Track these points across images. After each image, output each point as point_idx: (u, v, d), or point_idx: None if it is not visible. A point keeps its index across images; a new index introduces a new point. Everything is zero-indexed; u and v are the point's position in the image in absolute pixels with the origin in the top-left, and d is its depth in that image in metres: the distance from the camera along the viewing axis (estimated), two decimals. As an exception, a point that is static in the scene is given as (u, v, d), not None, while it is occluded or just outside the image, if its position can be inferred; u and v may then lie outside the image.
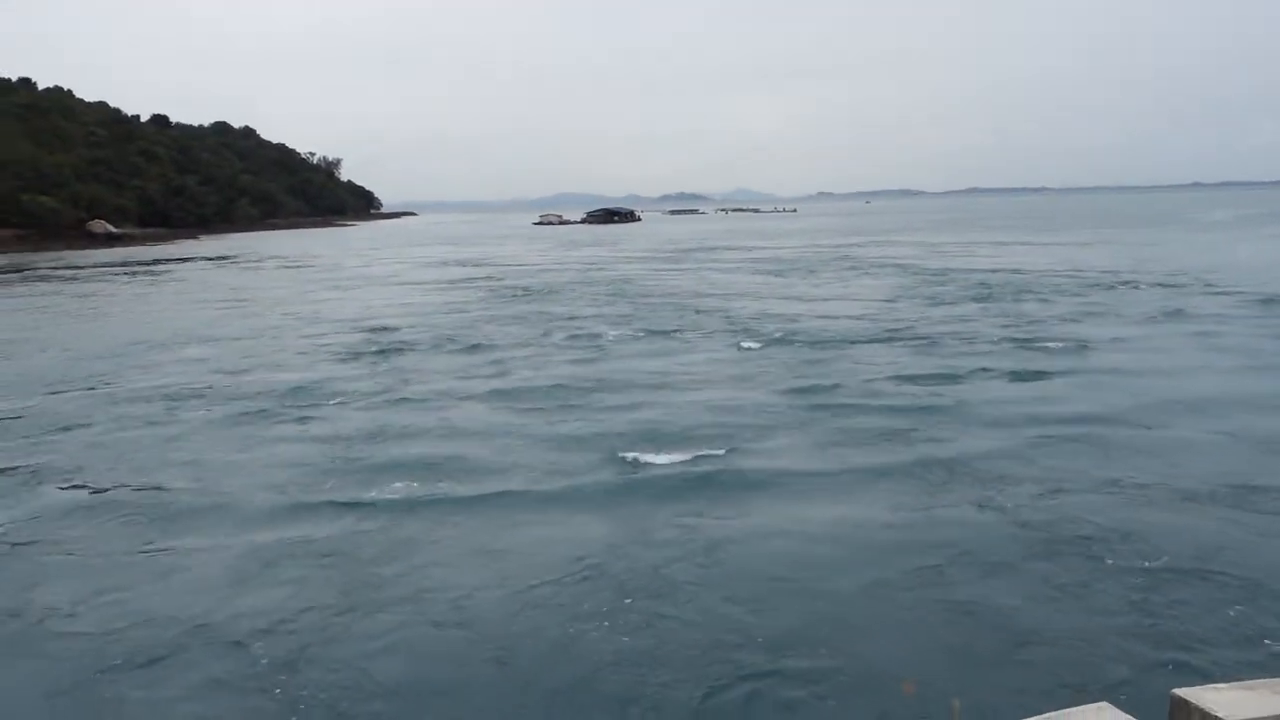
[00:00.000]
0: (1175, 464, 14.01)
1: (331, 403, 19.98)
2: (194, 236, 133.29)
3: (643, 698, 8.01)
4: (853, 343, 26.02)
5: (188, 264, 75.57)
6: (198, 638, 9.20)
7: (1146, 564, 10.28)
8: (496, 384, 21.59)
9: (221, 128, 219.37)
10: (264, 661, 8.75)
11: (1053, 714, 3.51)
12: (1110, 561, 10.38)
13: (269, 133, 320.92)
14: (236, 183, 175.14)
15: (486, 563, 10.99)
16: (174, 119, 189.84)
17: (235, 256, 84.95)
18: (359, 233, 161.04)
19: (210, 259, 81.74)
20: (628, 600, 9.86)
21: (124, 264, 75.75)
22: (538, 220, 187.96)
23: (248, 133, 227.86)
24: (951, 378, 20.84)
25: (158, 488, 14.19)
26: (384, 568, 10.90)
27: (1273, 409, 17.44)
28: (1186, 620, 8.98)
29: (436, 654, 8.88)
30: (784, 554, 11.05)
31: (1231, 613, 9.09)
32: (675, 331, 29.54)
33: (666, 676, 8.31)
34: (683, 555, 11.02)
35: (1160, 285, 38.32)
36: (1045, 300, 34.67)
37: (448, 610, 9.75)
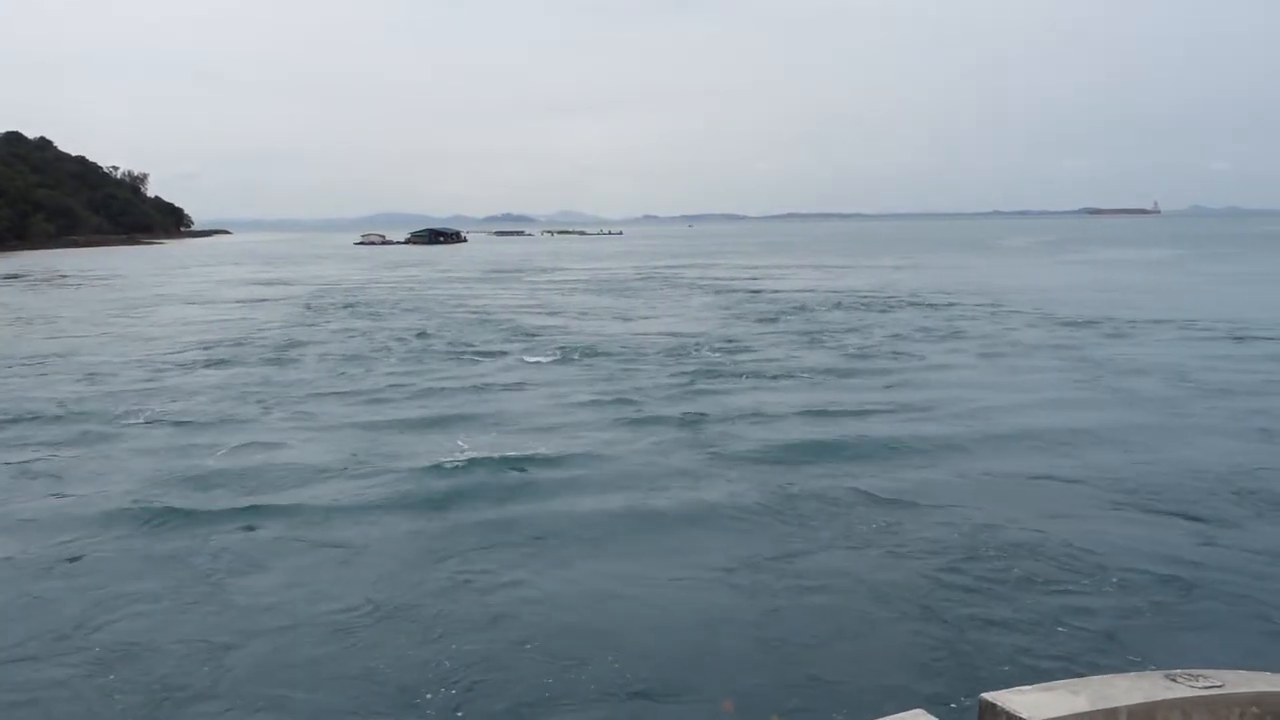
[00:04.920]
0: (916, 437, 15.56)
1: (127, 422, 19.27)
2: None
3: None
4: (657, 356, 26.96)
5: (-28, 283, 70.19)
6: None
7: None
8: (304, 407, 21.11)
9: (14, 137, 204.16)
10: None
11: None
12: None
13: (68, 145, 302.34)
14: (31, 196, 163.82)
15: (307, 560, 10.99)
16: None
17: (28, 275, 79.41)
18: (168, 251, 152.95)
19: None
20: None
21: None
22: (359, 240, 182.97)
23: (43, 144, 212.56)
24: (748, 384, 21.96)
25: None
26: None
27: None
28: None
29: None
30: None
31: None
32: (487, 345, 30.12)
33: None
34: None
35: (962, 304, 40.85)
36: (853, 318, 36.59)
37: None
